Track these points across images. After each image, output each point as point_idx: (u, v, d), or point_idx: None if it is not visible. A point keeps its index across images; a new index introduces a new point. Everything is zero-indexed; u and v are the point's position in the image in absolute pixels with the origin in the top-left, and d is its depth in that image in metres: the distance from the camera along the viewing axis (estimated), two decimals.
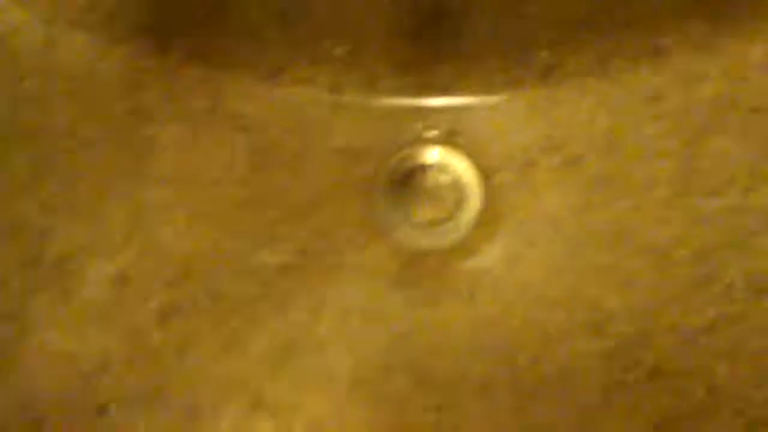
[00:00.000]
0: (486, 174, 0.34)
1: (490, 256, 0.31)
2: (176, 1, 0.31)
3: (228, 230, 0.31)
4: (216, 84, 0.33)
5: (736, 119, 0.32)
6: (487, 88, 0.35)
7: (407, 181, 0.34)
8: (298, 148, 0.34)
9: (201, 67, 0.33)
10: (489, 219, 0.33)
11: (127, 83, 0.32)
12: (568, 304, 0.28)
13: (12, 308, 0.27)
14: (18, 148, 0.29)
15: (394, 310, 0.30)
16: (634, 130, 0.33)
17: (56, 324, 0.27)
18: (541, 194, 0.33)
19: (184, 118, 0.32)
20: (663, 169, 0.31)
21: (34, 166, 0.29)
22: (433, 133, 0.35)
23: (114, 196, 0.30)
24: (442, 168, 0.34)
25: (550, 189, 0.33)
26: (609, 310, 0.28)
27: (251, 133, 0.33)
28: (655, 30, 0.32)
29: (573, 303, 0.28)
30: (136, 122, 0.32)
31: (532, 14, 0.32)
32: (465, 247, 0.31)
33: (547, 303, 0.29)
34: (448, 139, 0.34)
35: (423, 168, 0.34)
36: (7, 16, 0.30)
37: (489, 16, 0.32)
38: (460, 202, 0.33)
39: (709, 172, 0.32)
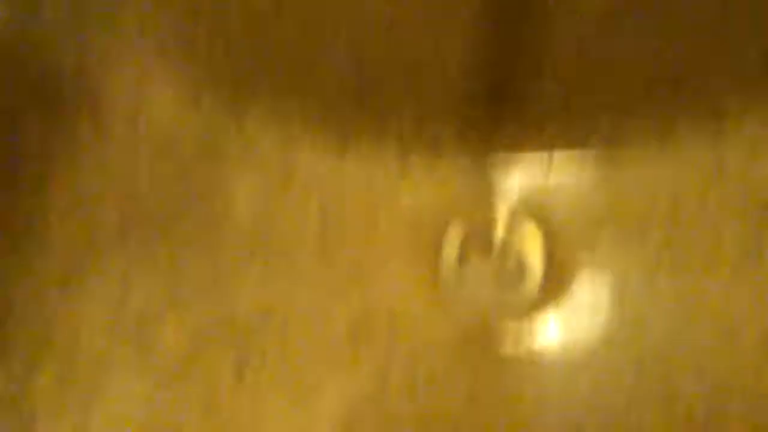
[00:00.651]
0: (550, 239, 0.34)
1: (554, 327, 0.31)
2: (257, 70, 0.33)
3: (299, 291, 0.32)
4: (291, 151, 0.35)
5: None
6: (549, 153, 0.36)
7: (473, 242, 0.34)
8: (367, 213, 0.35)
9: (278, 134, 0.35)
10: (553, 287, 0.33)
11: (207, 148, 0.34)
12: (636, 376, 0.29)
13: (96, 354, 0.28)
14: (107, 206, 0.31)
15: (457, 380, 0.30)
16: (697, 201, 0.33)
17: (137, 373, 0.29)
18: (605, 263, 0.33)
19: (260, 184, 0.34)
20: (728, 242, 0.32)
21: (120, 222, 0.31)
22: (495, 197, 0.36)
23: (193, 254, 0.32)
24: (505, 233, 0.35)
25: (615, 259, 0.33)
26: (677, 384, 0.28)
27: (323, 198, 0.35)
28: (717, 102, 0.33)
29: (640, 376, 0.29)
30: (215, 185, 0.33)
31: (598, 83, 0.33)
32: (529, 317, 0.32)
33: (614, 375, 0.29)
34: (512, 204, 0.35)
35: (487, 233, 0.35)
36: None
37: (556, 83, 0.33)
38: (524, 269, 0.34)
39: None
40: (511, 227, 0.35)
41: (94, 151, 0.31)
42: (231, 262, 0.32)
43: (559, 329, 0.31)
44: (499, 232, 0.35)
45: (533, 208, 0.35)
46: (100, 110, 0.31)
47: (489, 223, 0.35)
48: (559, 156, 0.35)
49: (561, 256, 0.34)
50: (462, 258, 0.34)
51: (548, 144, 0.35)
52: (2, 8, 0.31)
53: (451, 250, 0.34)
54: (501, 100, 0.34)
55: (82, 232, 0.29)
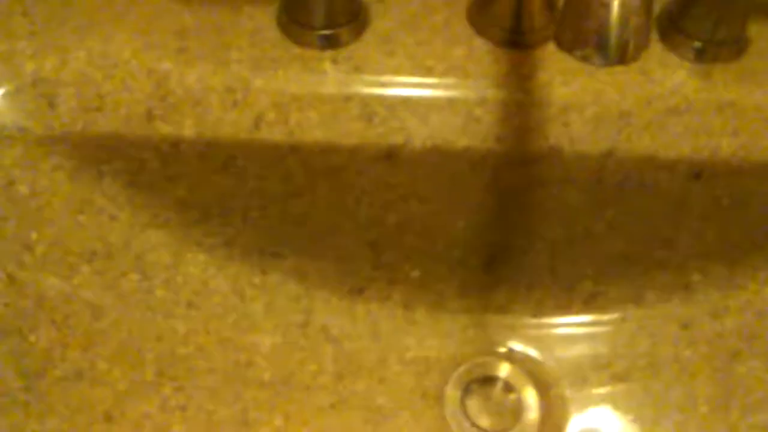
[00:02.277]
0: (542, 387, 0.38)
1: None
2: (284, 235, 0.37)
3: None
4: (309, 300, 0.38)
5: (762, 346, 0.37)
6: (538, 312, 0.40)
7: (474, 390, 0.38)
8: (376, 358, 0.38)
9: (297, 285, 0.38)
10: (548, 429, 0.37)
11: (235, 295, 0.37)
12: None
13: None
14: (145, 349, 0.34)
15: None
16: (672, 352, 0.38)
17: None
18: (594, 407, 0.37)
19: (282, 329, 0.37)
20: (701, 388, 0.36)
21: (158, 368, 0.34)
22: (493, 348, 0.40)
23: (221, 397, 0.34)
24: (502, 380, 0.39)
25: (602, 402, 0.37)
26: None
27: (337, 343, 0.38)
28: (684, 268, 0.38)
29: None
30: (243, 331, 0.36)
31: (580, 252, 0.38)
32: None
33: None
34: (507, 355, 0.39)
35: (485, 380, 0.39)
36: (147, 235, 0.36)
37: (545, 254, 0.38)
38: (520, 412, 0.37)
39: (744, 392, 0.36)
40: (506, 377, 0.38)
41: (139, 302, 0.34)
42: (255, 411, 0.35)
43: None
44: (495, 381, 0.38)
45: (526, 360, 0.39)
46: (147, 264, 0.35)
47: (488, 372, 0.39)
48: (547, 315, 0.40)
49: (554, 402, 0.37)
50: (464, 403, 0.37)
51: (537, 306, 0.40)
52: None
53: (455, 394, 0.37)
54: (496, 267, 0.39)
55: (128, 372, 0.32)
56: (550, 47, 0.34)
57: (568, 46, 0.24)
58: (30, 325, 0.30)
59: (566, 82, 0.33)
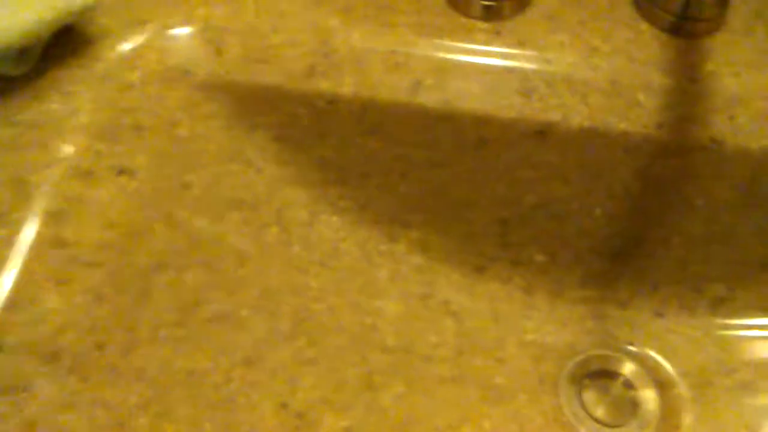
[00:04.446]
0: (663, 387, 0.37)
1: None
2: (412, 201, 0.37)
3: (436, 404, 0.35)
4: (432, 274, 0.38)
5: None
6: (661, 310, 0.39)
7: (590, 382, 0.37)
8: (494, 338, 0.38)
9: (422, 257, 0.38)
10: (667, 428, 0.36)
11: (364, 260, 0.37)
12: None
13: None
14: (282, 302, 0.34)
15: None
16: None
17: None
18: (717, 412, 0.36)
19: (405, 298, 0.37)
20: None
21: (293, 321, 0.34)
22: (611, 342, 0.39)
23: (348, 358, 0.34)
24: (619, 375, 0.38)
25: (725, 408, 0.36)
26: None
27: (458, 318, 0.38)
28: None
29: None
30: (369, 296, 0.37)
31: (716, 253, 0.37)
32: None
33: None
34: (627, 350, 0.38)
35: (604, 373, 0.38)
36: (288, 191, 0.36)
37: (678, 250, 0.37)
38: (637, 409, 0.37)
39: None
40: (626, 373, 0.38)
41: (278, 255, 0.35)
42: (379, 375, 0.35)
43: None
44: (615, 376, 0.38)
45: (646, 358, 0.38)
46: (286, 219, 0.35)
47: (604, 366, 0.38)
48: (670, 315, 0.39)
49: (674, 403, 0.36)
50: (580, 393, 0.37)
51: (660, 304, 0.39)
52: None
53: (571, 383, 0.37)
54: (624, 259, 0.38)
55: (267, 321, 0.32)
56: (719, 38, 0.33)
57: None
58: (185, 262, 0.30)
59: (735, 73, 0.32)
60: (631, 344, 0.39)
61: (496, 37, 0.33)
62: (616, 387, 0.38)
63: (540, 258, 0.39)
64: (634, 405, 0.37)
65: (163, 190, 0.30)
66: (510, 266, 0.39)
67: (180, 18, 0.32)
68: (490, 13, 0.33)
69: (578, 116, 0.32)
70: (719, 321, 0.39)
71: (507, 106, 0.33)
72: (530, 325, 0.39)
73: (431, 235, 0.38)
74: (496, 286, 0.39)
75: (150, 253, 0.29)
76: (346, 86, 0.33)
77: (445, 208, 0.37)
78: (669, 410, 0.37)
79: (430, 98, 0.33)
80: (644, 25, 0.33)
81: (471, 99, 0.33)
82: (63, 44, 0.31)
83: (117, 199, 0.28)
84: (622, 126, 0.32)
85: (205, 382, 0.29)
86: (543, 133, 0.33)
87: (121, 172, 0.29)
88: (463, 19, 0.33)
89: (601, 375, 0.38)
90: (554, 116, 0.32)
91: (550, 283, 0.40)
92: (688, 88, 0.32)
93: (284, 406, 0.31)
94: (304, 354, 0.33)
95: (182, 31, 0.32)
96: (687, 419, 0.37)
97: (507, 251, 0.39)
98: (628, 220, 0.37)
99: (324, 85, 0.33)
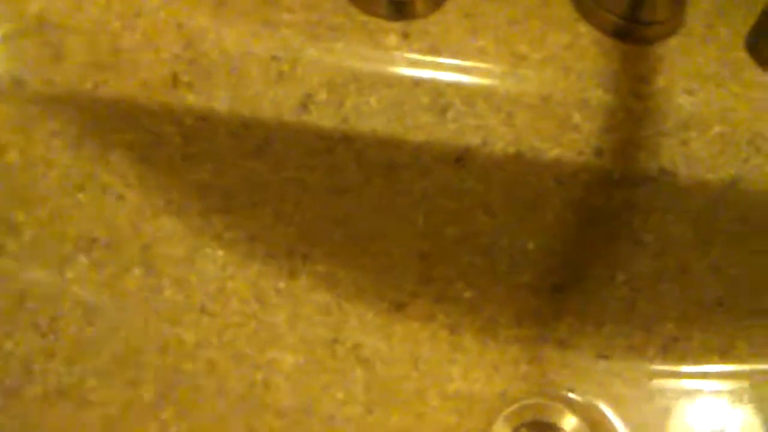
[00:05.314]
0: None
1: None
2: (313, 231, 0.31)
3: None
4: (341, 314, 0.33)
5: None
6: (606, 351, 0.34)
7: None
8: (414, 388, 0.33)
9: (328, 294, 0.33)
10: None
11: (256, 302, 0.32)
12: None
13: None
14: (144, 363, 0.28)
15: None
16: (763, 413, 0.32)
17: None
18: None
19: (307, 346, 0.32)
20: None
21: (159, 387, 0.28)
22: (548, 389, 0.34)
23: (233, 425, 0.29)
24: (560, 430, 0.33)
25: None
26: None
27: (370, 366, 0.32)
28: None
29: None
30: (261, 345, 0.31)
31: (667, 291, 0.32)
32: None
33: None
34: (567, 398, 0.33)
35: (536, 425, 0.33)
36: (159, 222, 0.30)
37: (624, 287, 0.32)
38: None
39: None
40: (564, 423, 0.33)
41: (142, 304, 0.29)
42: None
43: None
44: (552, 427, 0.33)
45: (585, 407, 0.33)
46: (156, 257, 0.29)
47: (540, 417, 0.33)
48: (616, 357, 0.34)
49: None
50: None
51: (605, 344, 0.34)
52: None
53: None
54: (563, 296, 0.33)
55: (122, 391, 0.26)
56: (672, 44, 0.28)
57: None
58: (9, 328, 0.24)
59: (690, 90, 0.27)
60: (572, 391, 0.34)
61: (403, 40, 0.27)
62: None
63: (467, 294, 0.33)
64: None
65: None
66: (433, 303, 0.34)
67: (7, 13, 0.26)
68: (399, 11, 0.27)
69: (502, 140, 0.27)
70: (670, 364, 0.34)
71: (417, 127, 0.27)
72: (456, 370, 0.34)
73: (339, 269, 0.32)
74: (416, 326, 0.34)
75: None
76: (220, 100, 0.26)
77: (353, 239, 0.31)
78: None
79: (323, 115, 0.27)
80: (584, 28, 0.28)
81: (374, 117, 0.27)
82: None
83: None
84: (555, 152, 0.27)
85: None
86: (461, 158, 0.27)
87: None
88: (365, 18, 0.27)
89: (538, 428, 0.33)
90: (473, 139, 0.27)
91: (479, 322, 0.34)
92: (633, 107, 0.26)
93: None
94: (172, 429, 0.27)
95: (10, 31, 0.26)
96: None
97: (429, 287, 0.33)
98: (566, 255, 0.31)
99: (192, 98, 0.26)
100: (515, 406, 0.33)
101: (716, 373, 0.33)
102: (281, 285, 0.32)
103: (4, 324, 0.24)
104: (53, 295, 0.26)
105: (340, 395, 0.31)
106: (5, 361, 0.24)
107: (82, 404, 0.25)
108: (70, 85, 0.26)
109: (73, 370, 0.25)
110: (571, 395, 0.34)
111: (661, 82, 0.27)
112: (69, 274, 0.26)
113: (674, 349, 0.34)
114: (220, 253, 0.31)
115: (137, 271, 0.28)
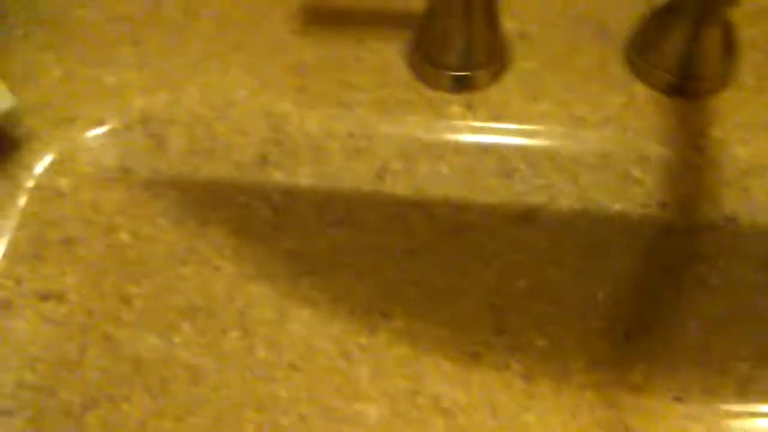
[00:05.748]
0: None
1: None
2: (391, 290, 0.33)
3: None
4: (419, 366, 0.34)
5: None
6: (681, 394, 0.35)
7: None
8: None
9: (406, 348, 0.34)
10: None
11: (341, 357, 0.34)
12: None
13: None
14: (245, 419, 0.30)
15: None
16: None
17: None
18: None
19: (389, 398, 0.33)
20: None
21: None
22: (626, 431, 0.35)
23: None
24: None
25: None
26: None
27: (450, 415, 0.34)
28: None
29: None
30: (347, 399, 0.33)
31: (739, 333, 0.33)
32: None
33: None
34: None
35: None
36: (251, 288, 0.32)
37: (696, 330, 0.33)
38: None
39: None
40: None
41: (240, 363, 0.31)
42: None
43: None
44: None
45: None
46: (249, 320, 0.32)
47: None
48: (692, 400, 0.35)
49: None
50: None
51: (680, 388, 0.35)
52: None
53: None
54: (635, 342, 0.34)
55: None
56: (725, 97, 0.29)
57: None
58: (124, 392, 0.27)
59: (746, 139, 0.28)
60: None
61: (467, 111, 0.29)
62: None
63: (540, 342, 0.35)
64: None
65: (99, 310, 0.27)
66: (506, 352, 0.35)
67: (114, 111, 0.29)
68: (462, 84, 0.30)
69: (566, 198, 0.28)
70: (746, 405, 0.34)
71: (485, 190, 0.29)
72: (532, 418, 0.35)
73: (415, 324, 0.34)
74: (492, 376, 0.35)
75: (81, 387, 0.26)
76: (304, 176, 0.29)
77: (427, 296, 0.33)
78: None
79: (398, 184, 0.29)
80: (639, 87, 0.29)
81: (444, 184, 0.29)
82: None
83: (40, 330, 0.25)
84: (618, 207, 0.28)
85: None
86: (528, 216, 0.29)
87: (46, 297, 0.26)
88: (431, 93, 0.29)
89: None
90: (539, 198, 0.29)
91: (553, 369, 0.35)
92: (692, 159, 0.28)
93: None
94: None
95: (118, 126, 0.29)
96: None
97: (502, 337, 0.35)
98: (636, 303, 0.32)
99: (279, 175, 0.29)
100: None
101: None
102: (363, 341, 0.34)
103: (121, 388, 0.27)
104: (162, 359, 0.28)
105: None
106: (124, 420, 0.26)
107: None
108: (172, 171, 0.29)
109: (181, 427, 0.28)
110: None
111: (716, 133, 0.28)
112: (176, 340, 0.29)
113: (749, 390, 0.34)
114: (305, 313, 0.33)
115: (234, 334, 0.31)
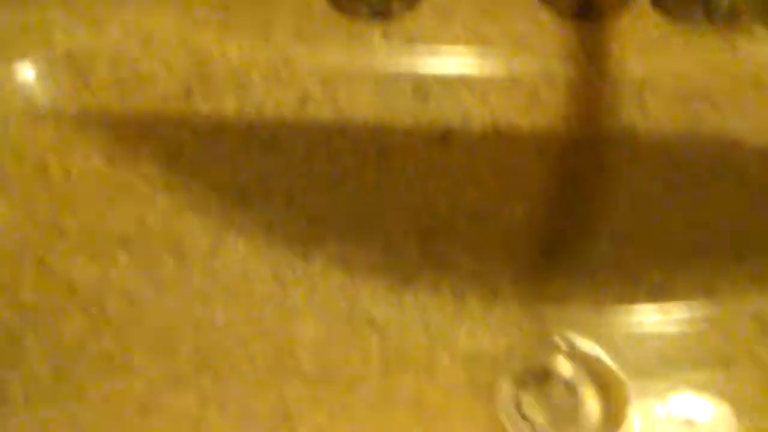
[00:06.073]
0: (603, 384, 0.35)
1: None
2: (328, 219, 0.35)
3: (363, 430, 0.33)
4: (354, 290, 0.36)
5: None
6: (600, 302, 0.37)
7: (529, 386, 0.35)
8: (425, 351, 0.36)
9: (342, 274, 0.36)
10: (609, 428, 0.34)
11: (276, 284, 0.35)
12: None
13: None
14: (182, 340, 0.32)
15: None
16: (746, 348, 0.35)
17: None
18: (659, 405, 0.34)
19: (326, 320, 0.35)
20: None
21: (195, 359, 0.32)
22: (550, 342, 0.37)
23: (261, 391, 0.32)
24: (559, 377, 0.36)
25: (667, 401, 0.34)
26: None
27: (384, 334, 0.36)
28: (761, 260, 0.35)
29: None
30: (284, 321, 0.35)
31: (648, 241, 0.35)
32: None
33: None
34: (566, 349, 0.37)
35: (541, 376, 0.36)
36: (178, 223, 0.34)
37: (609, 243, 0.35)
38: (579, 410, 0.35)
39: None
40: (564, 371, 0.36)
41: (176, 290, 0.32)
42: (297, 406, 0.33)
43: None
44: (555, 375, 0.36)
45: (584, 354, 0.36)
46: (184, 250, 0.33)
47: (544, 367, 0.36)
48: (608, 307, 0.37)
49: (616, 399, 0.35)
50: (518, 398, 0.35)
51: (598, 297, 0.37)
52: None
53: (508, 390, 0.35)
54: (554, 256, 0.36)
55: (163, 363, 0.30)
56: (624, 18, 0.31)
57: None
58: (61, 312, 0.28)
59: (642, 56, 0.30)
60: (570, 341, 0.37)
61: (383, 38, 0.30)
62: (557, 390, 0.36)
63: (466, 262, 0.37)
64: (575, 407, 0.35)
65: (33, 238, 0.28)
66: (437, 274, 0.37)
67: (39, 48, 0.30)
68: (378, 13, 0.31)
69: (479, 118, 0.30)
70: (659, 310, 0.37)
71: (403, 113, 0.30)
72: (463, 332, 0.37)
73: (348, 250, 0.36)
74: (423, 296, 0.37)
75: (18, 310, 0.27)
76: (229, 107, 0.30)
77: (357, 222, 0.35)
78: (612, 411, 0.35)
79: (320, 110, 0.30)
80: (545, 12, 0.31)
81: (364, 108, 0.30)
82: None
83: None
84: (527, 124, 0.30)
85: None
86: (445, 138, 0.31)
87: None
88: (349, 22, 0.31)
89: (541, 378, 0.36)
90: (454, 120, 0.30)
91: (481, 287, 0.38)
92: (593, 77, 0.30)
93: None
94: (209, 394, 0.31)
95: (43, 63, 0.30)
96: (629, 418, 0.35)
97: (431, 259, 0.37)
98: (553, 218, 0.35)
99: (205, 107, 0.30)
100: (519, 360, 0.37)
101: (700, 314, 0.36)
102: (298, 268, 0.36)
103: (59, 310, 0.28)
104: (99, 284, 0.29)
105: (358, 361, 0.35)
106: (60, 338, 0.28)
107: (127, 374, 0.29)
108: (100, 107, 0.30)
109: (118, 345, 0.29)
110: (570, 346, 0.37)
111: (616, 52, 0.30)
112: (111, 267, 0.30)
113: (661, 296, 0.37)
114: (240, 243, 0.35)
115: (170, 262, 0.32)
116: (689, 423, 0.34)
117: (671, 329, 0.37)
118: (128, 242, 0.31)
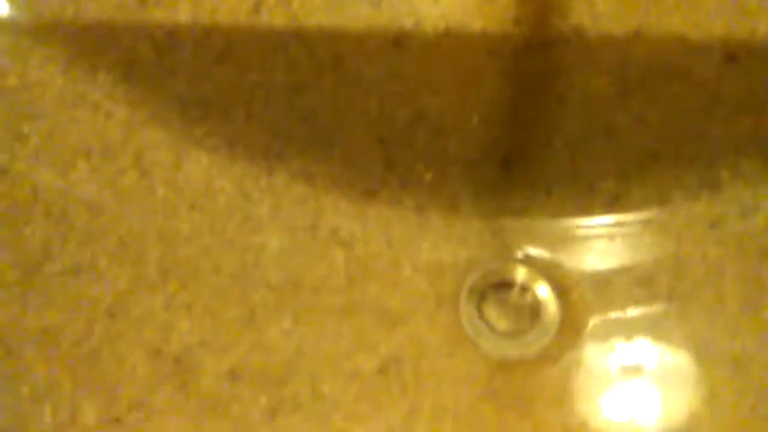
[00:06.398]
0: (562, 290, 0.37)
1: (572, 364, 0.33)
2: (289, 131, 0.35)
3: (328, 334, 0.34)
4: (317, 203, 0.37)
5: None
6: (558, 213, 0.38)
7: (490, 295, 0.36)
8: (388, 262, 0.37)
9: (305, 187, 0.37)
10: (569, 331, 0.35)
11: (240, 198, 0.36)
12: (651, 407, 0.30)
13: (138, 396, 0.29)
14: (147, 248, 0.33)
15: (485, 416, 0.32)
16: (699, 253, 0.36)
17: (177, 413, 0.30)
18: (616, 309, 0.35)
19: (290, 232, 0.36)
20: (730, 287, 0.34)
21: (161, 267, 0.33)
22: (510, 253, 0.38)
23: (227, 298, 0.33)
24: (519, 285, 0.37)
25: (624, 305, 0.35)
26: (691, 416, 0.30)
27: (348, 246, 0.37)
28: (713, 165, 0.36)
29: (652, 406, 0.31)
30: (249, 233, 0.35)
31: (602, 149, 0.36)
32: (548, 356, 0.34)
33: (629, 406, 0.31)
34: (526, 258, 0.38)
35: (504, 284, 0.37)
36: (138, 136, 0.34)
37: (564, 152, 0.36)
38: (538, 315, 0.36)
39: None
40: (526, 280, 0.37)
41: (139, 201, 0.33)
42: (263, 312, 0.34)
43: (577, 369, 0.33)
44: (515, 284, 0.37)
45: (545, 263, 0.38)
46: (146, 163, 0.33)
47: (505, 277, 0.37)
48: (566, 218, 0.38)
49: (575, 305, 0.36)
50: (480, 308, 0.36)
51: (556, 208, 0.38)
52: None
53: (470, 299, 0.36)
54: (513, 167, 0.37)
55: (130, 269, 0.31)
56: None
57: None
58: (25, 217, 0.29)
59: None
60: (530, 252, 0.38)
61: None
62: (517, 297, 0.37)
63: (428, 176, 0.38)
64: (535, 312, 0.37)
65: None
66: (399, 187, 0.38)
67: None
68: None
69: (431, 19, 0.31)
70: (615, 218, 0.38)
71: (357, 18, 0.31)
72: (425, 245, 0.38)
73: (311, 164, 0.37)
74: (386, 210, 0.38)
75: None
76: (183, 13, 0.30)
77: (318, 134, 0.36)
78: (570, 314, 0.36)
79: (274, 16, 0.31)
80: None
81: (317, 13, 0.31)
82: None
83: None
84: (478, 24, 0.31)
85: (62, 338, 0.28)
86: (399, 43, 0.31)
87: None
88: None
89: (501, 287, 0.37)
90: (406, 22, 0.31)
91: (442, 200, 0.38)
92: None
93: (158, 353, 0.30)
94: (176, 299, 0.32)
95: None
96: (588, 321, 0.36)
97: (393, 172, 0.37)
98: (508, 125, 0.35)
99: (158, 14, 0.30)
100: (480, 271, 0.38)
101: (656, 222, 0.37)
102: (261, 182, 0.36)
103: (22, 213, 0.29)
104: (61, 193, 0.30)
105: (323, 271, 0.36)
106: (26, 243, 0.28)
107: (94, 279, 0.30)
108: (54, 15, 0.30)
109: (84, 252, 0.30)
110: (529, 255, 0.38)
111: None
112: (73, 176, 0.31)
113: (617, 205, 0.38)
114: (203, 157, 0.35)
115: (132, 175, 0.33)
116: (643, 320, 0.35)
117: (627, 238, 0.38)
118: (89, 153, 0.32)
